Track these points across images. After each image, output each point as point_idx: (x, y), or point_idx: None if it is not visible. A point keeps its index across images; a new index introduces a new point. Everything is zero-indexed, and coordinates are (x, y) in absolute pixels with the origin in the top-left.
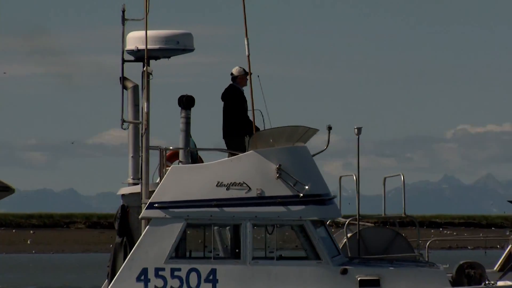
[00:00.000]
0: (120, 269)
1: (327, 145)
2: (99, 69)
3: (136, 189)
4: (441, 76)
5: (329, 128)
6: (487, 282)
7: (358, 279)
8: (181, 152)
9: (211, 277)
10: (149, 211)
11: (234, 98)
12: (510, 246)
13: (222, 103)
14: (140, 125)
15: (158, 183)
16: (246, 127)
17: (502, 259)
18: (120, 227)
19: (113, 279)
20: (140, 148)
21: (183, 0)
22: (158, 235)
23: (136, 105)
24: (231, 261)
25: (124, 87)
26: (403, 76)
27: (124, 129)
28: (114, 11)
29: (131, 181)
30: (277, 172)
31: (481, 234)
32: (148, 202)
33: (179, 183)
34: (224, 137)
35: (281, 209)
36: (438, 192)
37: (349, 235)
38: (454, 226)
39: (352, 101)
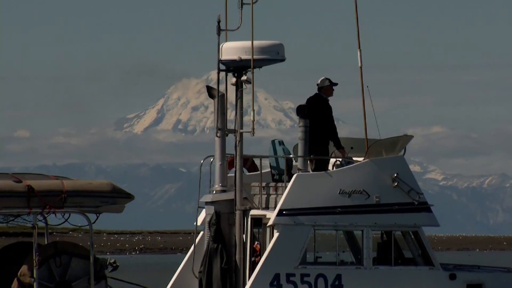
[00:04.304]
0: (254, 275)
1: (404, 153)
2: None
3: (227, 196)
4: None
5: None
6: None
7: (466, 284)
8: (300, 160)
9: (337, 283)
10: (279, 218)
11: (318, 107)
12: None
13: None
14: (235, 134)
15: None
16: (330, 136)
17: None
18: (216, 233)
19: (208, 284)
20: (235, 156)
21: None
22: (288, 241)
23: (223, 113)
24: (355, 266)
25: (212, 96)
26: None
27: (219, 137)
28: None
29: (219, 188)
30: (395, 180)
31: None
32: (278, 209)
33: (305, 190)
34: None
35: (397, 216)
36: None
37: None
38: None
39: None
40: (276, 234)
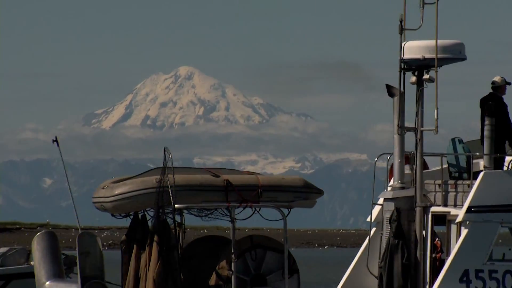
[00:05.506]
0: (444, 271)
1: None
2: None
3: (407, 192)
4: None
5: None
6: None
7: None
8: (486, 158)
9: None
10: (468, 215)
11: (496, 106)
12: None
13: (480, 109)
14: (415, 131)
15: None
16: (507, 134)
17: None
18: (397, 229)
19: (389, 279)
20: (415, 154)
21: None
22: (476, 238)
23: (403, 111)
24: None
25: (391, 95)
26: None
27: (399, 134)
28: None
29: (398, 184)
30: None
31: None
32: (466, 206)
33: (493, 188)
34: (482, 143)
35: None
36: None
37: None
38: None
39: None
40: (464, 231)
